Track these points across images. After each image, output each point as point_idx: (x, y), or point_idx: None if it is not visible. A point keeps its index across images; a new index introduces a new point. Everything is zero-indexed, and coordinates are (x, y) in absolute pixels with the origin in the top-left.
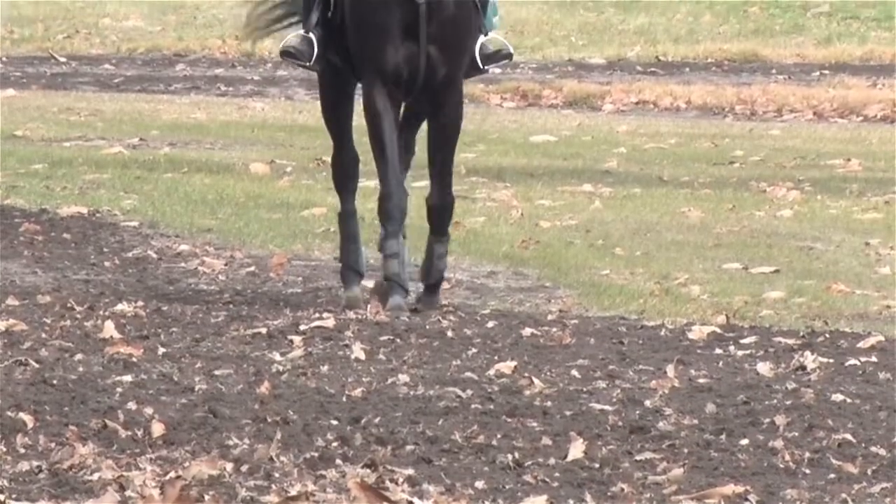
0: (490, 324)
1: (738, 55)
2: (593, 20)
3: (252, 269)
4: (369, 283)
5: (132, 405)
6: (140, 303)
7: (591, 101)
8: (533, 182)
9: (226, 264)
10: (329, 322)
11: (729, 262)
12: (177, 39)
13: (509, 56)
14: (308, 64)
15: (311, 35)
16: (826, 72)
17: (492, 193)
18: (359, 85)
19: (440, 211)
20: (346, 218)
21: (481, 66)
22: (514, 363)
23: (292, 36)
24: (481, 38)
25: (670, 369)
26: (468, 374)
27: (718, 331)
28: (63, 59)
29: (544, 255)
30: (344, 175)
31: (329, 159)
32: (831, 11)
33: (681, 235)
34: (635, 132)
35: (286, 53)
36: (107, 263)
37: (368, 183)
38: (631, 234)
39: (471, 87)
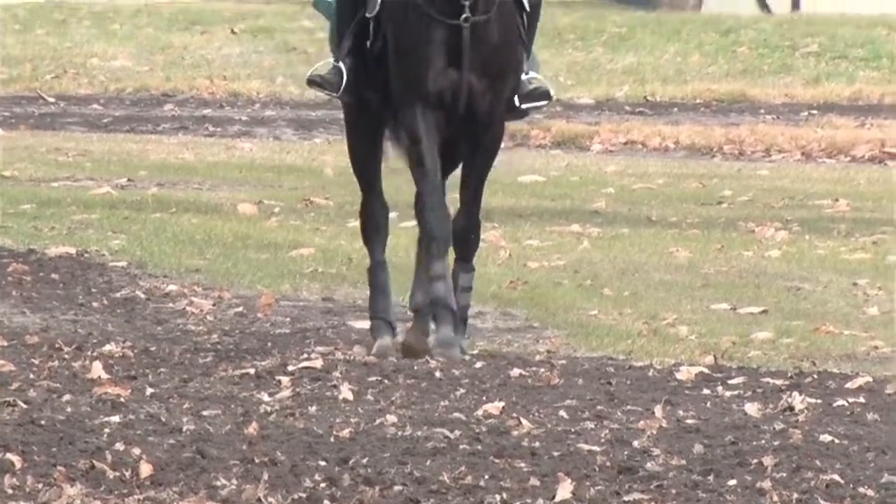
0: (478, 364)
1: (726, 95)
2: (581, 60)
3: (240, 309)
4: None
5: (120, 446)
6: (128, 343)
7: (580, 142)
8: (521, 222)
9: (214, 304)
10: (317, 362)
11: (717, 302)
12: (165, 79)
13: (549, 96)
14: (336, 94)
15: (341, 65)
16: (814, 112)
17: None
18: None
19: (466, 233)
20: (376, 270)
21: (518, 105)
22: (501, 404)
23: (321, 64)
24: (522, 76)
25: (658, 410)
26: (456, 414)
27: (706, 371)
28: (51, 99)
29: (532, 295)
30: (373, 226)
31: (356, 207)
32: (819, 51)
33: (669, 276)
34: (623, 172)
35: (313, 82)
36: (95, 304)
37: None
38: (619, 275)
39: None
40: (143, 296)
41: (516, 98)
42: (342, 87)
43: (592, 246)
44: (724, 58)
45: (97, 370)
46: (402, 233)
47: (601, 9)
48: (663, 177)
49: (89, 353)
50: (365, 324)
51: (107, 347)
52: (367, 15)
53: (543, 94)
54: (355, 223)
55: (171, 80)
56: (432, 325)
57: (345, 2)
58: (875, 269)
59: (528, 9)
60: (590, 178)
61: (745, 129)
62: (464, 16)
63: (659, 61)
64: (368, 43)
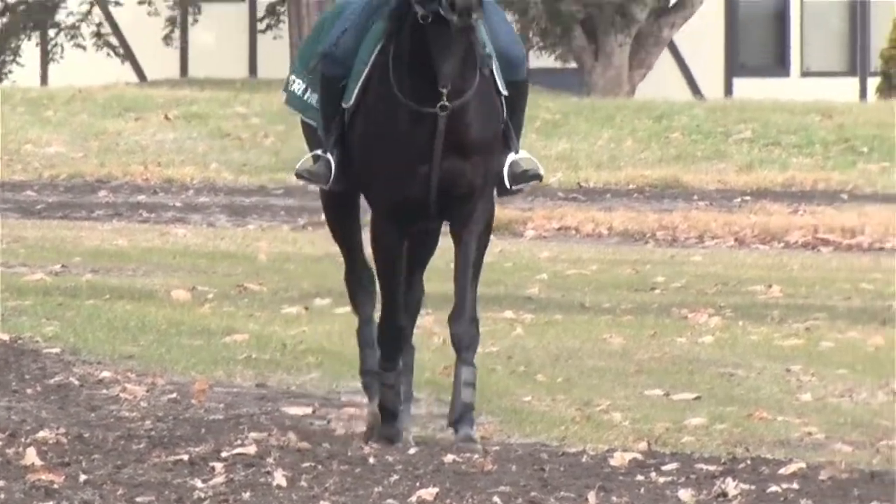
0: (412, 450)
1: (659, 181)
2: None
3: (174, 395)
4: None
5: None
6: (62, 430)
7: (513, 227)
8: None
9: (147, 391)
10: (251, 448)
11: (650, 388)
12: (99, 165)
13: (539, 177)
14: (325, 186)
15: (329, 156)
16: (747, 198)
17: None
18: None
19: (462, 331)
20: (363, 328)
21: (509, 187)
22: (436, 490)
23: (309, 156)
24: (511, 156)
25: (592, 496)
26: (390, 501)
27: (640, 457)
28: None
29: None
30: (358, 286)
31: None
32: (753, 137)
33: (602, 362)
34: (557, 258)
35: (301, 176)
36: (28, 390)
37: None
38: (552, 361)
39: None
40: (76, 382)
41: (506, 178)
42: (331, 179)
43: (526, 332)
44: (658, 144)
45: (31, 457)
46: (337, 319)
47: (534, 95)
48: (597, 263)
49: (23, 439)
50: (298, 409)
51: (41, 434)
52: (344, 106)
53: (534, 176)
54: (290, 309)
55: (105, 166)
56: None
57: (330, 93)
58: (808, 355)
59: (504, 92)
60: (523, 264)
61: (678, 215)
62: (441, 104)
63: (592, 147)
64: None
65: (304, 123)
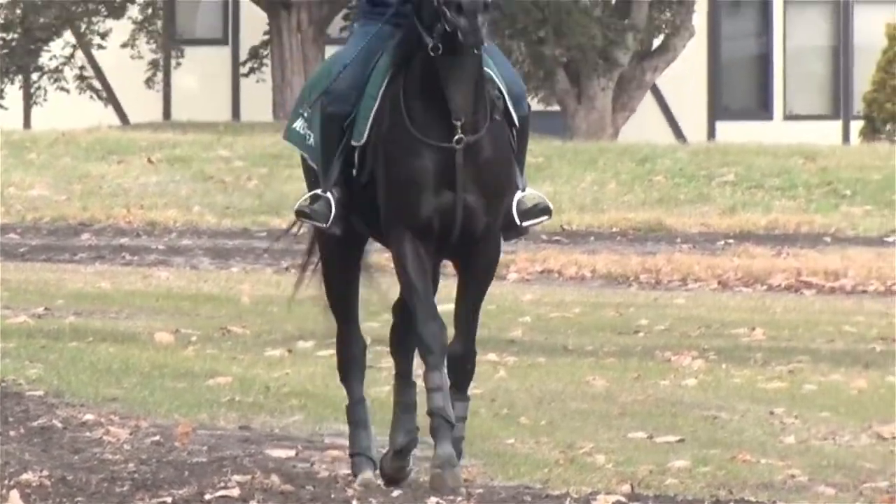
0: (395, 493)
1: (642, 224)
2: None
3: (157, 438)
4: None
5: None
6: (45, 472)
7: (496, 270)
8: None
9: (131, 433)
10: (234, 491)
11: (634, 430)
12: (82, 209)
13: (548, 211)
14: (325, 226)
15: (329, 195)
16: (731, 241)
17: None
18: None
19: (463, 361)
20: (355, 407)
21: (519, 223)
22: None
23: (309, 195)
24: (518, 194)
25: None
26: None
27: (623, 500)
28: None
29: None
30: (351, 360)
31: (332, 341)
32: (736, 180)
33: (585, 404)
34: (540, 301)
35: (302, 214)
36: (12, 433)
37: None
38: (536, 404)
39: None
40: (60, 425)
41: (516, 216)
42: (331, 219)
43: (509, 375)
44: (641, 187)
45: (14, 499)
46: (320, 361)
47: None
48: (580, 305)
49: (6, 482)
50: (282, 452)
51: (24, 476)
52: (354, 143)
53: (543, 210)
54: (273, 352)
55: (88, 209)
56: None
57: (331, 131)
58: (791, 398)
59: (517, 125)
60: (506, 307)
61: (661, 257)
62: (456, 137)
63: (575, 190)
64: (354, 171)
65: (304, 162)
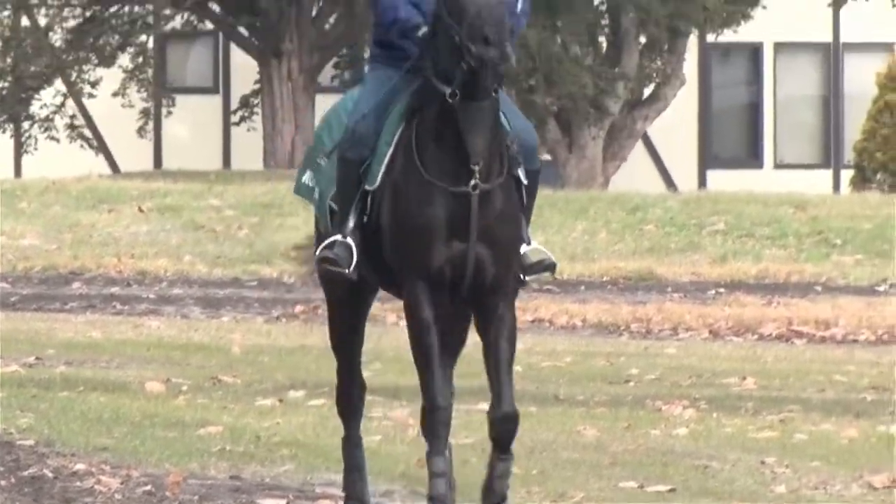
0: None
1: (633, 273)
2: None
3: (148, 487)
4: None
5: None
6: None
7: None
8: None
9: (122, 483)
10: None
11: (625, 480)
12: (72, 258)
13: (552, 266)
14: (347, 271)
15: (350, 241)
16: (721, 290)
17: (388, 412)
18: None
19: (503, 423)
20: (350, 446)
21: (522, 277)
22: None
23: (329, 241)
24: (523, 248)
25: None
26: None
27: None
28: None
29: None
30: (349, 403)
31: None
32: (726, 229)
33: (576, 454)
34: (531, 350)
35: (326, 260)
36: (2, 482)
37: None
38: (527, 453)
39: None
40: (50, 474)
41: (519, 270)
42: (353, 264)
43: None
44: (632, 236)
45: None
46: (311, 411)
47: None
48: (571, 355)
49: None
50: (273, 501)
51: None
52: (368, 188)
53: (547, 267)
54: (264, 401)
55: (78, 258)
56: None
57: (348, 177)
58: (783, 447)
59: (525, 181)
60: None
61: (652, 307)
62: (473, 182)
63: (566, 239)
64: (366, 217)
65: (316, 217)
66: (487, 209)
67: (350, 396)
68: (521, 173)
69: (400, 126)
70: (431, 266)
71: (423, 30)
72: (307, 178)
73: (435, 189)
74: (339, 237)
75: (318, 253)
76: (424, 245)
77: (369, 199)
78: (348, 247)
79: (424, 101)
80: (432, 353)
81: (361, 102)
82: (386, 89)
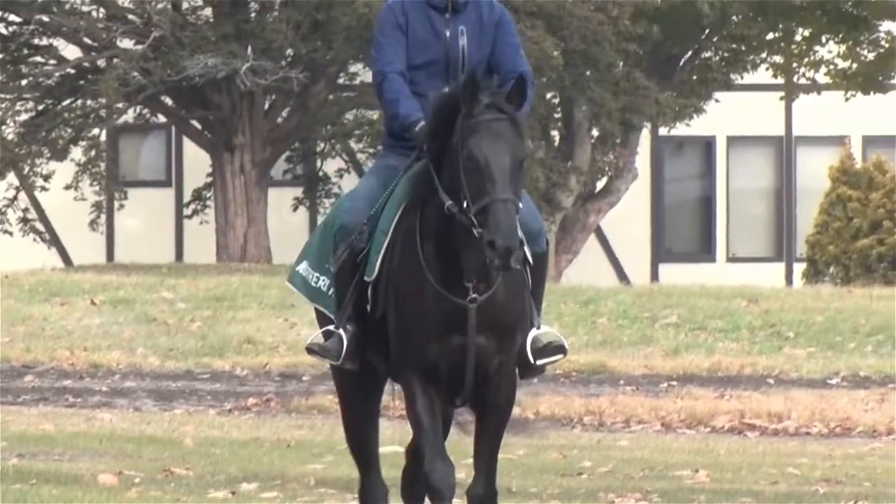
0: None
1: (586, 366)
2: None
3: None
4: None
5: None
6: None
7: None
8: None
9: None
10: None
11: None
12: (25, 350)
13: (563, 350)
14: (337, 362)
15: (342, 332)
16: (674, 382)
17: None
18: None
19: (483, 502)
20: None
21: (532, 362)
22: None
23: (321, 332)
24: (533, 332)
25: None
26: None
27: None
28: None
29: None
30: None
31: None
32: (679, 322)
33: None
34: None
35: (312, 351)
36: None
37: None
38: None
39: (319, 398)
40: None
41: (530, 354)
42: (342, 356)
43: None
44: (584, 329)
45: None
46: (263, 503)
47: None
48: (523, 447)
49: None
50: None
51: None
52: (366, 279)
53: (558, 349)
54: (216, 493)
55: (31, 351)
56: None
57: (343, 266)
58: None
59: (531, 262)
60: (448, 449)
61: (604, 399)
62: (470, 297)
63: None
64: (369, 307)
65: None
66: (490, 307)
67: (374, 501)
68: (527, 252)
69: (398, 213)
70: (427, 362)
71: (422, 125)
72: (302, 268)
73: (433, 288)
74: (332, 327)
75: (309, 341)
76: (421, 341)
77: (370, 289)
78: (340, 338)
79: (425, 191)
80: (435, 439)
81: (360, 192)
82: (385, 180)
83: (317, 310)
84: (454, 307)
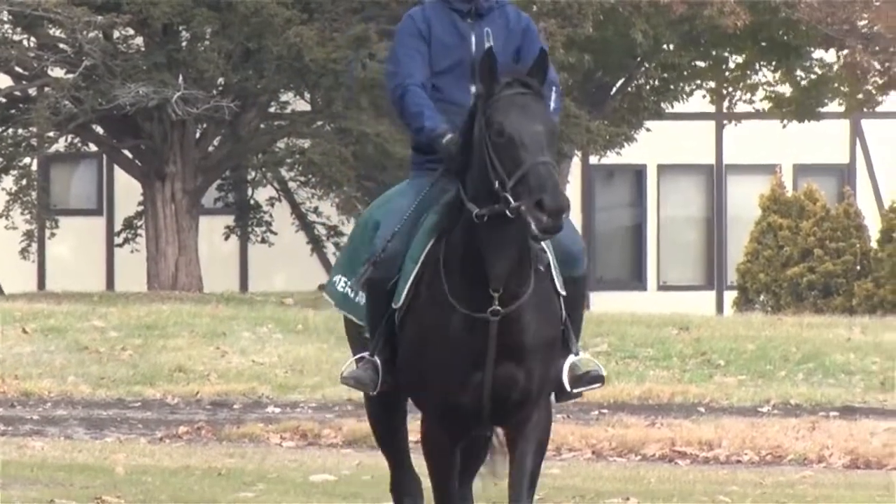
0: None
1: None
2: None
3: None
4: None
5: None
6: None
7: (372, 441)
8: None
9: None
10: None
11: None
12: None
13: (600, 379)
14: (373, 391)
15: (376, 359)
16: (605, 410)
17: None
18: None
19: None
20: None
21: (569, 390)
22: None
23: (352, 360)
24: (571, 358)
25: None
26: None
27: None
28: None
29: None
30: (408, 497)
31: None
32: (610, 351)
33: None
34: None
35: (347, 383)
36: None
37: None
38: None
39: (250, 426)
40: None
41: (566, 382)
42: (378, 384)
43: None
44: None
45: None
46: None
47: None
48: None
49: None
50: None
51: None
52: (394, 306)
53: (595, 378)
54: None
55: None
56: None
57: (376, 296)
58: None
59: (563, 293)
60: (382, 477)
61: None
62: (492, 308)
63: None
64: (397, 332)
65: (347, 322)
66: (515, 328)
67: (408, 490)
68: (557, 283)
69: (429, 243)
70: (448, 390)
71: (449, 136)
72: (340, 283)
73: (455, 312)
74: (366, 355)
75: (343, 372)
76: (442, 369)
77: (397, 316)
78: (375, 366)
79: (453, 217)
80: (449, 479)
81: (391, 217)
82: (416, 205)
83: (347, 330)
84: (476, 327)
